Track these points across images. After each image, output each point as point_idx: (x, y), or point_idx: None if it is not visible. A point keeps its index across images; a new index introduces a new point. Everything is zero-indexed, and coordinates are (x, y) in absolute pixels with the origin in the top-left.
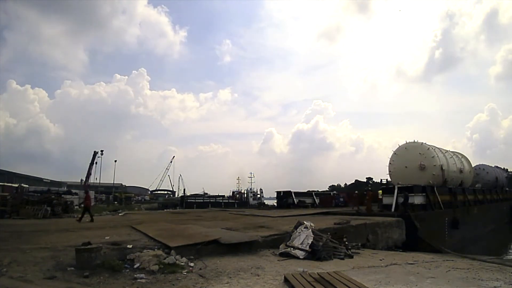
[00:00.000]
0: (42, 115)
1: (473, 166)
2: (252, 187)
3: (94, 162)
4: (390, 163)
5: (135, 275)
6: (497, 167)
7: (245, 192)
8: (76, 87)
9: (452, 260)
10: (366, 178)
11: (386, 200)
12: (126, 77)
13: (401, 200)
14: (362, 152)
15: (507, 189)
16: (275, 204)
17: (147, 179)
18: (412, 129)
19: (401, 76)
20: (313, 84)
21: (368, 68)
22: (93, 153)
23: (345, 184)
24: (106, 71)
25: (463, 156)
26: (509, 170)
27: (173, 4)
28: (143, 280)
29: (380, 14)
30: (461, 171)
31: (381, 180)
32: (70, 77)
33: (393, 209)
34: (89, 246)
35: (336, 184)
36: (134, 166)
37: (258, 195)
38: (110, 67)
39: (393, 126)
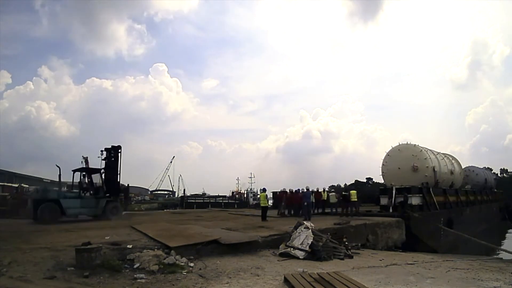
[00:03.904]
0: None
1: (463, 167)
2: (252, 187)
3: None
4: (383, 164)
5: (135, 275)
6: (486, 168)
7: (245, 192)
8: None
9: (452, 260)
10: (366, 178)
11: (384, 201)
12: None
13: (399, 200)
14: (361, 152)
15: (495, 190)
16: (270, 204)
17: (147, 179)
18: (415, 127)
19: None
20: (295, 73)
21: (364, 58)
22: (84, 160)
23: (345, 184)
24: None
25: (453, 158)
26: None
27: None
28: (143, 280)
29: None
30: (452, 172)
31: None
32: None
33: (390, 210)
34: (89, 246)
35: (336, 184)
36: (134, 166)
37: (258, 196)
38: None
39: (395, 124)
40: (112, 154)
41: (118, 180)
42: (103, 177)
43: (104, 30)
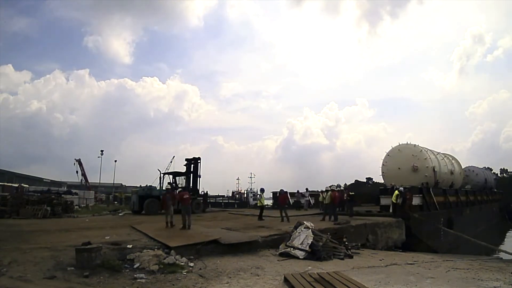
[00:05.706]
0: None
1: (463, 167)
2: (252, 187)
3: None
4: (383, 164)
5: (135, 275)
6: (486, 168)
7: (245, 192)
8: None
9: (452, 260)
10: (366, 178)
11: (384, 201)
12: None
13: (400, 201)
14: (362, 151)
15: (495, 190)
16: (269, 204)
17: (148, 179)
18: (415, 127)
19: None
20: (286, 67)
21: (364, 56)
22: (77, 162)
23: (345, 184)
24: None
25: (453, 158)
26: (509, 171)
27: None
28: (143, 280)
29: None
30: (452, 172)
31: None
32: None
33: (391, 210)
34: (89, 246)
35: (336, 184)
36: (134, 165)
37: (258, 195)
38: None
39: (396, 123)
40: (193, 163)
41: (198, 184)
42: (185, 180)
43: (116, 38)
